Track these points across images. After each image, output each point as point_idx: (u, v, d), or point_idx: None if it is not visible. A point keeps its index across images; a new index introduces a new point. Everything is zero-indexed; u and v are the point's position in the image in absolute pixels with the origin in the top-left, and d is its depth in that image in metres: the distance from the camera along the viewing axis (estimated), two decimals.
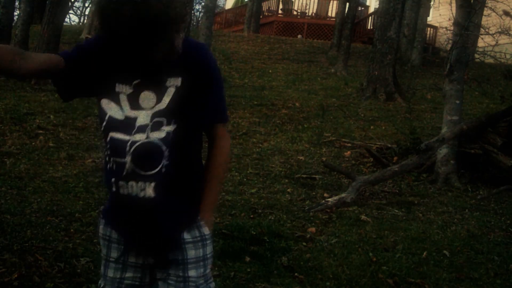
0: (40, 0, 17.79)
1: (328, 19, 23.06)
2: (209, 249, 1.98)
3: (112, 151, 1.87)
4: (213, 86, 1.91)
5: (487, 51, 8.85)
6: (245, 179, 6.38)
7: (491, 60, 10.54)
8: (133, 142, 1.86)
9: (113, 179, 1.88)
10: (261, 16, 23.77)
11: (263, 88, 12.29)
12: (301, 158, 7.52)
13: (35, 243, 4.03)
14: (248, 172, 6.67)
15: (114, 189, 1.89)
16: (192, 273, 1.94)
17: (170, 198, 1.89)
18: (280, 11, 24.43)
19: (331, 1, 23.22)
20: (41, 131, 7.60)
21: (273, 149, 7.85)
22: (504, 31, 8.82)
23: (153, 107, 1.86)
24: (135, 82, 1.87)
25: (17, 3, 16.05)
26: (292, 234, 4.77)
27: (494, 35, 8.46)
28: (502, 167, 6.77)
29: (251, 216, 5.17)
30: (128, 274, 1.97)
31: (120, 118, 1.86)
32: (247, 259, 4.12)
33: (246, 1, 25.44)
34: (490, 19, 10.37)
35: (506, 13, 8.98)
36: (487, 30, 9.03)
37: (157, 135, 1.85)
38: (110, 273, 1.98)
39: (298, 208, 5.53)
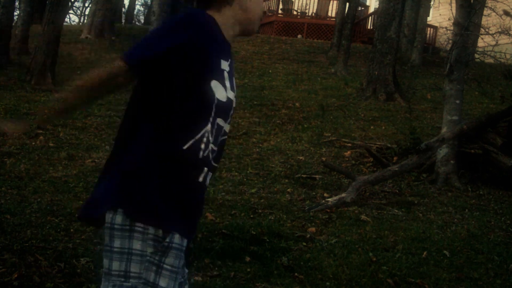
0: (40, 0, 17.79)
1: (328, 19, 23.04)
2: None
3: (215, 139, 1.79)
4: None
5: (487, 51, 8.83)
6: (245, 179, 6.37)
7: (491, 60, 10.52)
8: (224, 132, 1.85)
9: (205, 168, 1.79)
10: None
11: (263, 88, 12.29)
12: (301, 158, 7.52)
13: (35, 243, 4.03)
14: (248, 172, 6.67)
15: (201, 179, 1.79)
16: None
17: None
18: (280, 11, 24.40)
19: (331, 1, 23.20)
20: (41, 131, 7.60)
21: (273, 149, 7.84)
22: (504, 31, 8.81)
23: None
24: (230, 59, 1.83)
25: (17, 3, 16.05)
26: (292, 234, 4.77)
27: (494, 35, 8.45)
28: (502, 167, 6.77)
29: (251, 216, 5.17)
30: (180, 279, 1.83)
31: (224, 100, 1.78)
32: (247, 259, 4.11)
33: None
34: (490, 19, 10.37)
35: (506, 13, 8.98)
36: (487, 30, 9.02)
37: (228, 129, 1.90)
38: (178, 284, 1.79)
39: (298, 208, 5.53)
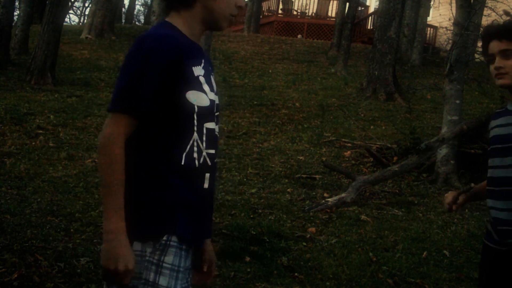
0: (40, 0, 17.79)
1: (328, 19, 23.04)
2: None
3: (208, 143, 1.79)
4: None
5: None
6: (245, 179, 6.38)
7: None
8: (217, 133, 1.83)
9: (207, 174, 1.79)
10: (261, 16, 23.75)
11: (263, 88, 12.28)
12: (301, 158, 7.52)
13: (35, 243, 4.03)
14: (248, 172, 6.67)
15: (206, 185, 1.79)
16: None
17: None
18: (280, 11, 24.40)
19: (331, 1, 23.20)
20: (41, 131, 7.60)
21: (273, 149, 7.85)
22: None
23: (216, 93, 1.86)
24: (202, 60, 1.81)
25: (17, 3, 16.05)
26: (292, 234, 4.77)
27: None
28: None
29: (251, 216, 5.17)
30: (184, 280, 1.81)
31: (206, 104, 1.77)
32: (247, 259, 4.12)
33: (246, 1, 25.45)
34: (490, 19, 10.36)
35: (506, 13, 8.97)
36: None
37: (218, 128, 1.87)
38: (181, 285, 1.77)
39: (298, 208, 5.53)
